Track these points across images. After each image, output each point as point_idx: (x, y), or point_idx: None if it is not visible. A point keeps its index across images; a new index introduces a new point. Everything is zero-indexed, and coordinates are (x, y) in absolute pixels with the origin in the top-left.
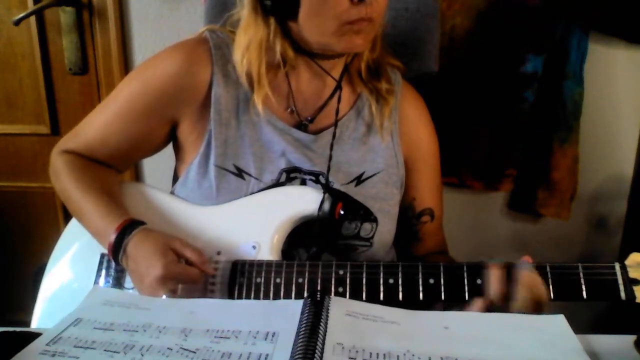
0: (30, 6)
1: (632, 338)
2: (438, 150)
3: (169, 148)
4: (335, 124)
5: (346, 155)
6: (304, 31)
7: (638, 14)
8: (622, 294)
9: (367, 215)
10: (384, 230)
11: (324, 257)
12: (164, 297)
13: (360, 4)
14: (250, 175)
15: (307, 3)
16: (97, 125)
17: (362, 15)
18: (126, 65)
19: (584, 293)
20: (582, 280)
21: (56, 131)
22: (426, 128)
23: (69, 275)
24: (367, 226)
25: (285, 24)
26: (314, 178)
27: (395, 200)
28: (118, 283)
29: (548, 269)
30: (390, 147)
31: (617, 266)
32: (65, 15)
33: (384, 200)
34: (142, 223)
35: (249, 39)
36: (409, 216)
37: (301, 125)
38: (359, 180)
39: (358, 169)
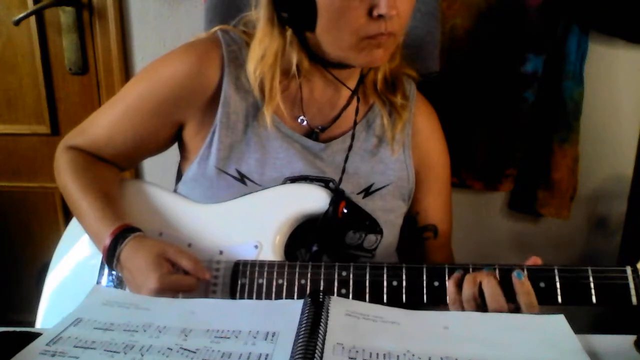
0: (30, 6)
1: (632, 338)
2: (449, 166)
3: (171, 147)
4: (353, 135)
5: (355, 166)
6: (321, 43)
7: (638, 14)
8: (634, 299)
9: (373, 227)
10: (388, 242)
11: (324, 261)
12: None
13: (379, 19)
14: (252, 181)
15: (324, 16)
16: (104, 124)
17: (382, 30)
18: (126, 65)
19: (593, 297)
20: (592, 285)
21: (56, 131)
22: (438, 142)
23: (71, 275)
24: (371, 237)
25: (302, 35)
26: (322, 185)
27: (401, 212)
28: (120, 282)
29: (556, 271)
30: (402, 160)
31: (629, 270)
32: (65, 15)
33: (391, 212)
34: (136, 229)
35: (263, 50)
36: (412, 229)
37: (312, 134)
38: (367, 191)
39: (367, 180)
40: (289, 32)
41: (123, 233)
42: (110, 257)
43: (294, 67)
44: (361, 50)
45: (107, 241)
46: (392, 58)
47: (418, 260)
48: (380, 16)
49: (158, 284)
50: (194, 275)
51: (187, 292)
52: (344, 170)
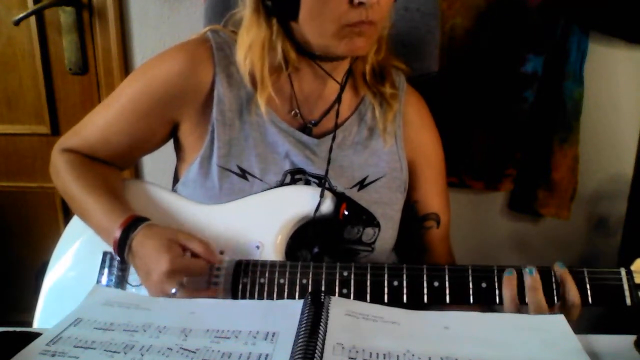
0: (30, 6)
1: (632, 338)
2: (442, 154)
3: (170, 147)
4: (335, 127)
5: (349, 159)
6: (304, 32)
7: (638, 14)
8: (628, 300)
9: (370, 221)
10: (386, 236)
11: (324, 261)
12: (173, 290)
13: (360, 7)
14: (253, 176)
15: (307, 4)
16: (98, 125)
17: (362, 18)
18: (126, 65)
19: (589, 298)
20: (588, 285)
21: (56, 131)
22: (430, 132)
23: (71, 274)
24: (369, 231)
25: (287, 25)
26: (317, 181)
27: (399, 205)
28: (121, 281)
29: (553, 272)
30: (394, 151)
31: (623, 271)
32: (65, 15)
33: (387, 205)
34: (146, 219)
35: (251, 39)
36: (412, 219)
37: (305, 128)
38: (362, 184)
39: (361, 173)
40: (275, 22)
41: (134, 223)
42: (122, 247)
43: (279, 56)
44: (342, 38)
45: (118, 233)
46: (378, 50)
47: (419, 254)
48: (361, 4)
49: (170, 266)
50: (204, 259)
51: (197, 275)
52: (329, 162)
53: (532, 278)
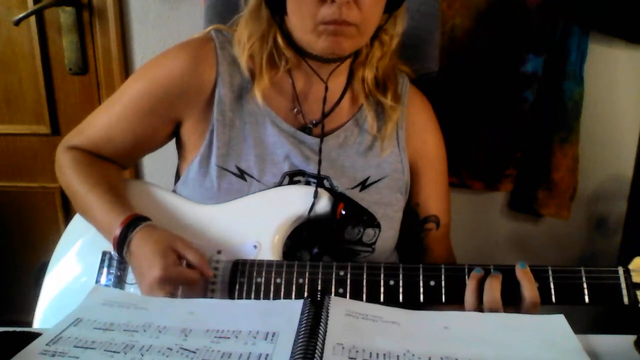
0: (30, 6)
1: (632, 338)
2: (445, 157)
3: (171, 147)
4: (322, 133)
5: (351, 160)
6: (293, 27)
7: (638, 14)
8: (625, 299)
9: (371, 221)
10: (387, 236)
11: (324, 261)
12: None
13: (332, 4)
14: (252, 176)
15: None
16: (102, 124)
17: (336, 17)
18: (126, 65)
19: (586, 297)
20: (585, 285)
21: (56, 131)
22: (433, 134)
23: (71, 274)
24: (369, 232)
25: (282, 20)
26: (315, 182)
27: (400, 206)
28: (120, 281)
29: (550, 272)
30: (396, 153)
31: (621, 270)
32: (65, 15)
33: (388, 206)
34: (146, 219)
35: (250, 32)
36: (413, 222)
37: (306, 128)
38: (364, 185)
39: (363, 174)
40: (271, 18)
41: (134, 222)
42: (121, 245)
43: (279, 53)
44: (319, 35)
45: (118, 230)
46: (382, 57)
47: (420, 254)
48: (332, 1)
49: (162, 272)
50: (198, 270)
51: (188, 285)
52: (319, 163)
53: (493, 277)
